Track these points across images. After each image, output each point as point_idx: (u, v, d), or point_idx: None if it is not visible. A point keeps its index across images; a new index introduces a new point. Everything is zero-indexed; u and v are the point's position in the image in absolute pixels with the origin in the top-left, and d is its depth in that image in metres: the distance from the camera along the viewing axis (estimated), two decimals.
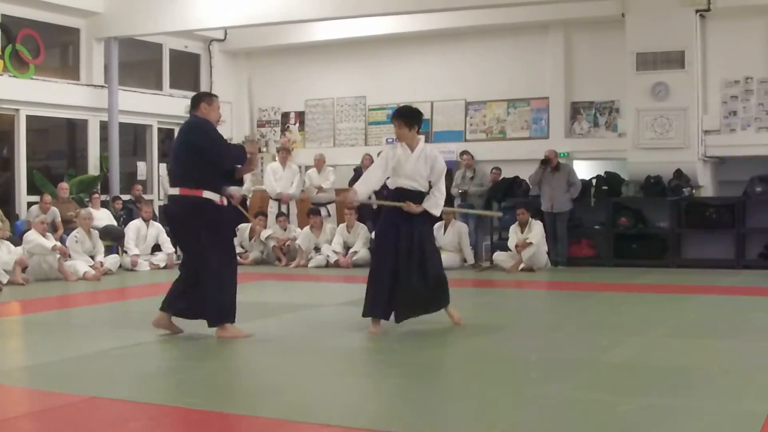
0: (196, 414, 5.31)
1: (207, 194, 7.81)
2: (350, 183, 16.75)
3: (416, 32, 17.56)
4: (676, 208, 14.97)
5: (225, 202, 8.01)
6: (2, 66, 15.23)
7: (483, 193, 15.86)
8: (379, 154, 9.18)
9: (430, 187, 8.45)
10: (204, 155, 7.89)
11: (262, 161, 18.57)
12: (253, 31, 18.34)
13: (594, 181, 15.64)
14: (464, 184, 15.81)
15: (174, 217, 8.13)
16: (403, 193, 8.36)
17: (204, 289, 7.77)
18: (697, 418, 5.06)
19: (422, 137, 8.60)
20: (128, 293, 12.78)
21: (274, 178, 16.65)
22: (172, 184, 8.05)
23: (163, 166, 18.15)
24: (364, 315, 8.30)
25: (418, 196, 8.35)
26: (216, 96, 8.49)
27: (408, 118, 8.41)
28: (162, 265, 15.28)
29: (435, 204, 8.39)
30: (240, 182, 8.57)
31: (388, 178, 8.50)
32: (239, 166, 8.31)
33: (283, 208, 16.62)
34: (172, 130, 18.64)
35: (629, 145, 15.46)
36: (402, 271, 8.19)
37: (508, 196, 15.90)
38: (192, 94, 18.75)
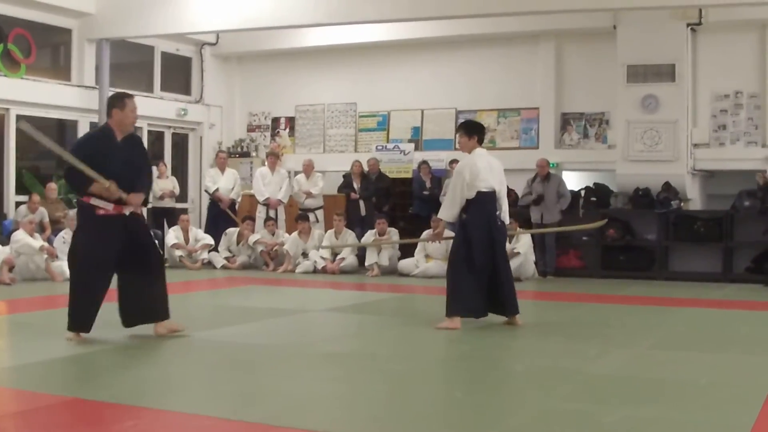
0: (179, 417, 5.30)
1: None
2: (339, 189, 16.81)
3: (408, 40, 17.57)
4: (664, 220, 15.01)
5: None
6: None
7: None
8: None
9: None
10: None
11: (252, 166, 18.57)
12: (245, 36, 18.33)
13: (583, 192, 15.68)
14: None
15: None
16: (482, 196, 9.07)
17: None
18: (683, 430, 5.07)
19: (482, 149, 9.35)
20: (114, 295, 12.73)
21: (263, 182, 16.66)
22: None
23: (153, 168, 18.07)
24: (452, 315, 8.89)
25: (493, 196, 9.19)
26: (130, 96, 8.47)
27: (468, 128, 9.33)
28: None
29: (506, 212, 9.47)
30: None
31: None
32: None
33: (272, 213, 16.62)
34: (162, 133, 18.63)
35: (618, 156, 15.50)
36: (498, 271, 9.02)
37: None
38: (183, 97, 18.98)
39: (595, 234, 15.29)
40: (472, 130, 9.24)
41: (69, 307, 7.87)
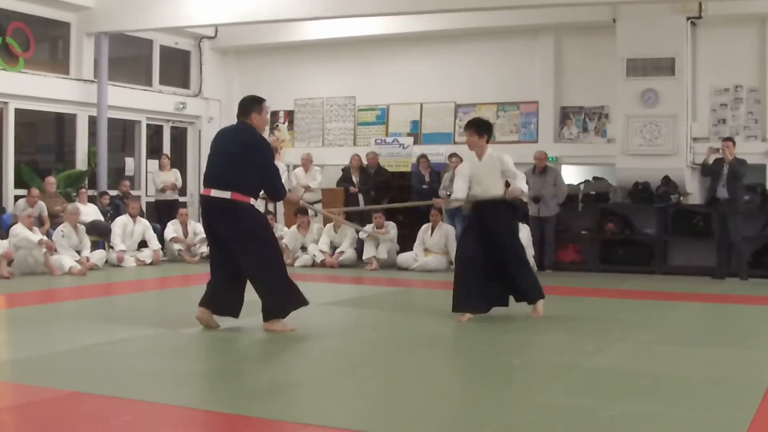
0: (180, 411, 5.30)
1: (253, 201, 8.10)
2: (338, 183, 16.78)
3: (407, 33, 17.56)
4: (663, 214, 15.01)
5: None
6: None
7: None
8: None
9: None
10: (261, 172, 8.14)
11: None
12: (244, 29, 18.31)
13: (582, 186, 15.67)
14: (452, 186, 15.75)
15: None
16: (480, 200, 9.15)
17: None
18: (680, 425, 5.06)
19: (489, 146, 9.28)
20: (114, 289, 12.77)
21: None
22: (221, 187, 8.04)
23: (152, 162, 18.11)
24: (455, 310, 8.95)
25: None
26: (265, 101, 8.43)
27: (479, 127, 9.21)
28: (148, 261, 15.26)
29: (520, 184, 9.12)
30: None
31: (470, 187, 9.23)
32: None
33: (270, 207, 16.61)
34: (160, 127, 18.63)
35: (618, 150, 15.50)
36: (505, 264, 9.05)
37: None
38: (181, 90, 18.95)
39: (593, 228, 15.31)
40: (482, 129, 9.21)
41: None
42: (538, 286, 9.25)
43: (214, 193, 7.97)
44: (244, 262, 8.03)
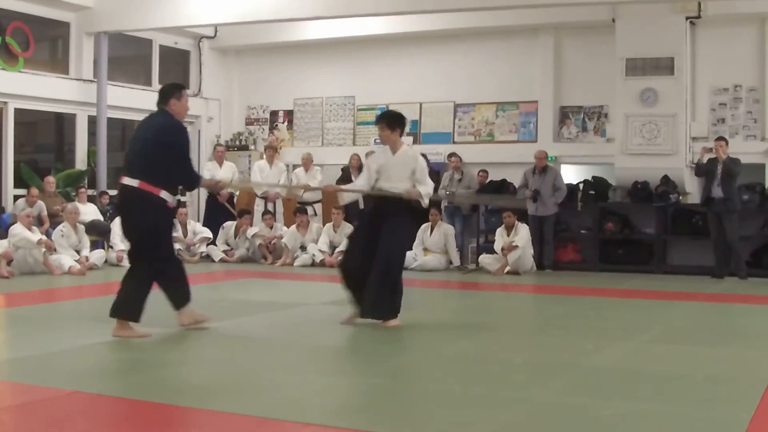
0: (177, 410, 5.30)
1: (164, 194, 7.80)
2: (337, 182, 16.74)
3: (406, 33, 17.55)
4: (662, 214, 15.01)
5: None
6: None
7: (470, 195, 15.88)
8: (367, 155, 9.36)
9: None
10: (176, 160, 7.89)
11: (250, 159, 18.58)
12: (244, 29, 18.31)
13: (581, 185, 15.67)
14: (452, 185, 15.80)
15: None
16: (385, 195, 8.63)
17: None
18: (680, 424, 5.06)
19: (405, 140, 8.77)
20: (113, 288, 12.63)
21: (261, 176, 16.67)
22: (126, 174, 7.90)
23: None
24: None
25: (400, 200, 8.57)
26: (186, 88, 8.30)
27: (390, 121, 8.72)
28: None
29: (425, 191, 8.62)
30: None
31: (377, 180, 8.73)
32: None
33: (270, 206, 16.62)
34: None
35: (617, 150, 15.50)
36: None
37: None
38: None
39: (593, 227, 15.31)
40: (394, 122, 8.76)
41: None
42: (388, 306, 8.56)
43: (126, 181, 7.84)
44: (141, 256, 7.88)
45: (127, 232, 8.08)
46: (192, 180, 8.24)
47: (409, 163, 8.67)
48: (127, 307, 7.78)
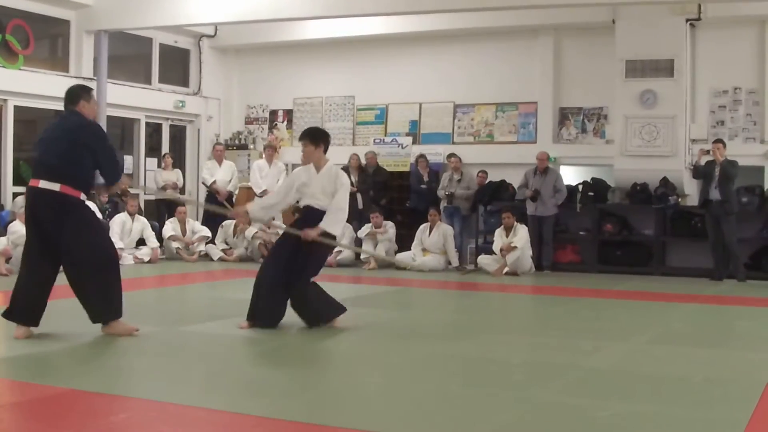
0: (174, 408, 5.30)
1: (83, 196, 7.66)
2: None
3: (406, 33, 17.55)
4: (661, 216, 15.02)
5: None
6: None
7: (469, 196, 15.89)
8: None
9: None
10: (94, 160, 7.67)
11: (249, 158, 18.58)
12: (244, 28, 18.31)
13: (580, 187, 15.67)
14: (451, 186, 15.82)
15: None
16: (310, 212, 8.50)
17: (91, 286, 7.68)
18: (678, 426, 5.07)
19: (329, 159, 8.69)
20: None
21: (260, 175, 16.69)
22: (41, 176, 7.56)
23: (151, 160, 18.13)
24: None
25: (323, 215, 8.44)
26: (92, 89, 8.16)
27: (314, 137, 8.59)
28: (146, 259, 15.29)
29: (333, 221, 8.45)
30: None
31: (298, 201, 8.75)
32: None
33: None
34: (159, 125, 18.61)
35: (616, 151, 15.50)
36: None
37: (495, 200, 15.93)
38: (181, 89, 18.94)
39: (592, 229, 15.32)
40: (318, 138, 8.61)
41: None
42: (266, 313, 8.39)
43: (43, 184, 7.48)
44: (71, 260, 7.63)
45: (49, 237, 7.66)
46: (114, 175, 7.91)
47: (333, 182, 8.51)
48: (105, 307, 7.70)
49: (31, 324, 7.60)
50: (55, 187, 7.43)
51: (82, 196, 7.63)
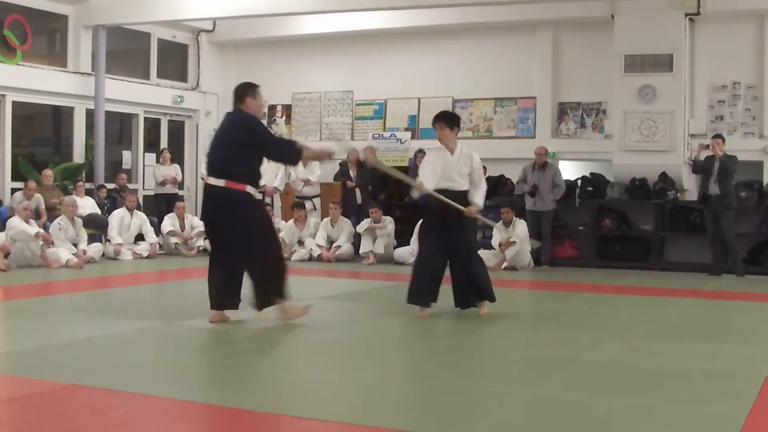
0: (173, 403, 5.30)
1: (249, 189, 8.08)
2: (335, 177, 16.73)
3: (405, 28, 17.54)
4: (660, 211, 15.00)
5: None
6: None
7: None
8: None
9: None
10: (256, 152, 8.25)
11: None
12: (242, 23, 18.31)
13: (579, 182, 15.66)
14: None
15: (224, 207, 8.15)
16: (447, 194, 8.77)
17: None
18: (676, 420, 5.07)
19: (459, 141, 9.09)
20: (110, 282, 12.76)
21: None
22: (216, 175, 8.11)
23: (150, 155, 18.13)
24: (409, 302, 8.88)
25: (461, 196, 8.81)
26: (258, 86, 8.56)
27: (450, 120, 9.05)
28: (145, 254, 15.27)
29: (482, 196, 8.99)
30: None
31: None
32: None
33: (267, 201, 16.60)
34: (158, 120, 18.61)
35: (615, 146, 15.49)
36: (454, 265, 8.88)
37: (493, 195, 15.88)
38: (179, 84, 18.92)
39: (590, 224, 15.31)
40: (453, 122, 9.08)
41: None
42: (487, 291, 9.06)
43: (212, 181, 8.07)
44: (240, 251, 8.06)
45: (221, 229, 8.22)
46: (289, 155, 8.55)
47: (467, 163, 8.90)
48: (273, 292, 8.10)
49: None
50: (221, 183, 7.98)
51: (249, 189, 8.06)
